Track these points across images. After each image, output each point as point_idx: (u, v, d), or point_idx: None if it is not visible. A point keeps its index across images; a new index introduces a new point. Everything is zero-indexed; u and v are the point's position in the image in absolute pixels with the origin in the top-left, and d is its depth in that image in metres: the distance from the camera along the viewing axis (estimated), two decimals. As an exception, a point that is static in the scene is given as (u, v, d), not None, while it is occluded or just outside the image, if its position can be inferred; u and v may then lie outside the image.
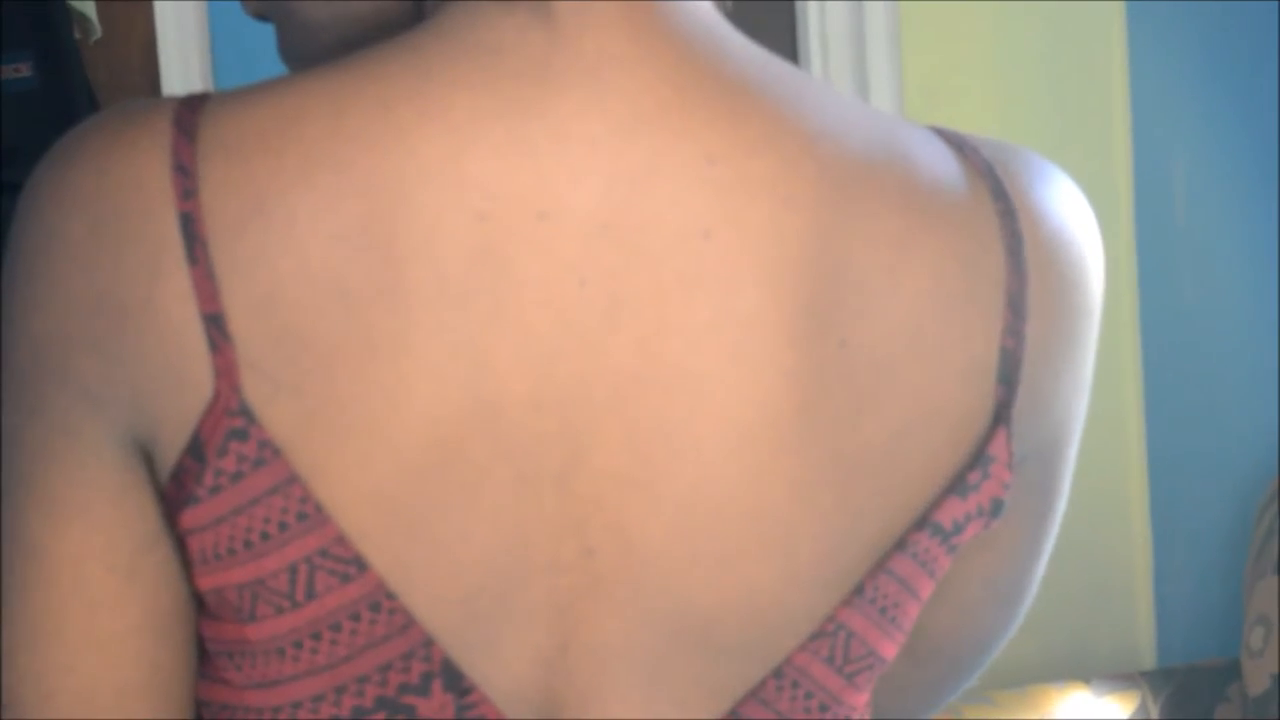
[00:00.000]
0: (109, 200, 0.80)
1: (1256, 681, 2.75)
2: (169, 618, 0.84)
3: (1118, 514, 3.02)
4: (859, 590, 0.87)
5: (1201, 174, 2.90)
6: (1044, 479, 0.94)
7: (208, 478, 0.80)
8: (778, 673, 0.86)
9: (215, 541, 0.81)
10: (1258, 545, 2.77)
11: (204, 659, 0.86)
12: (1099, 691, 2.73)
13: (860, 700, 0.90)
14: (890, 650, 0.89)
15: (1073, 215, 0.90)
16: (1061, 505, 0.97)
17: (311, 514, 0.80)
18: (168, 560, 0.84)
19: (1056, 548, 2.99)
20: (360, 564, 0.81)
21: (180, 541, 0.84)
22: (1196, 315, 2.94)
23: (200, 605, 0.85)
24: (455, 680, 0.83)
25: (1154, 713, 2.75)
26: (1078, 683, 2.74)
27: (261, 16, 0.95)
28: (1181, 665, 2.85)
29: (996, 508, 0.89)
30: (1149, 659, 3.02)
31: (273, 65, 3.13)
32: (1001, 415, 0.87)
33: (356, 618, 0.81)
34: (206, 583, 0.82)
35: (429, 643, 0.82)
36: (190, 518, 0.81)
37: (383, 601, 0.81)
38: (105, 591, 0.83)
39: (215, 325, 0.79)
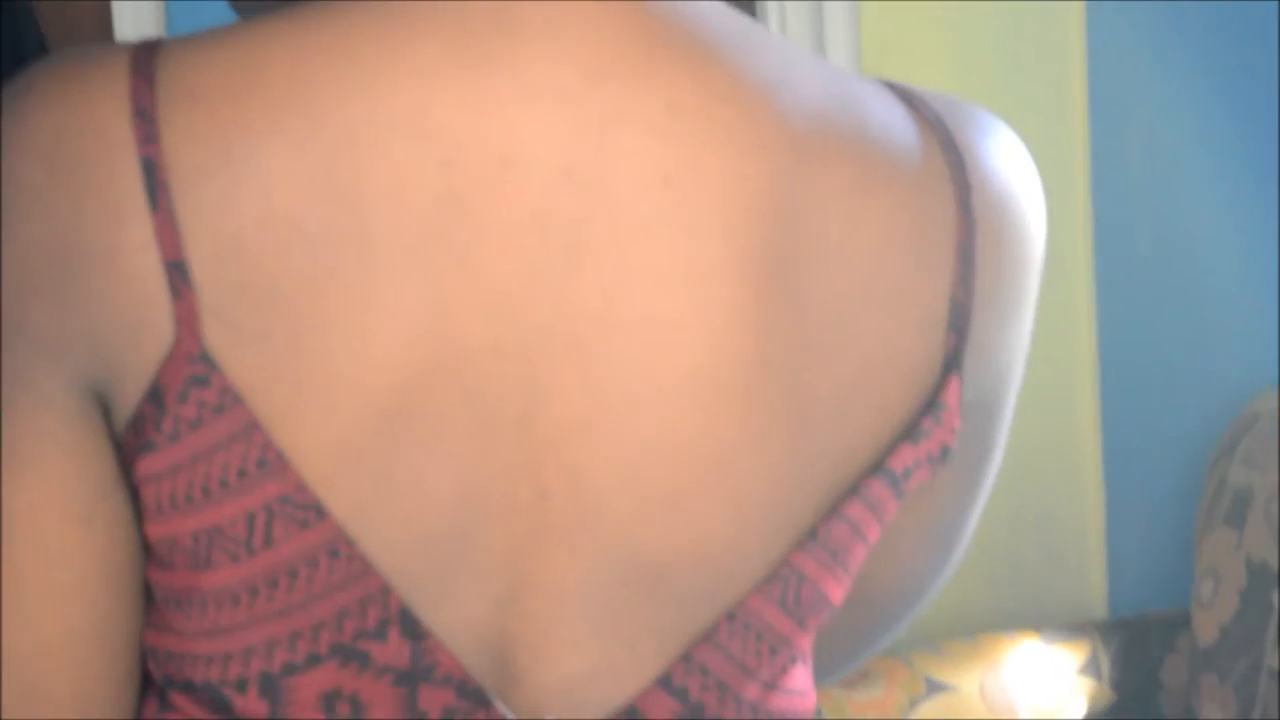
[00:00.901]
0: (67, 145, 0.79)
1: (1206, 633, 2.77)
2: (122, 566, 0.84)
3: (1070, 465, 3.03)
4: (813, 535, 0.87)
5: (1158, 127, 2.91)
6: (983, 429, 0.95)
7: (167, 424, 0.80)
8: (730, 616, 0.87)
9: (172, 490, 0.81)
10: (1209, 498, 2.79)
11: (151, 607, 0.86)
12: (1049, 641, 2.75)
13: (805, 644, 0.91)
14: (838, 594, 0.90)
15: (1018, 170, 0.91)
16: (998, 456, 0.98)
17: (272, 461, 0.80)
18: (123, 509, 0.84)
19: (1009, 499, 3.00)
20: (319, 511, 0.81)
21: (134, 490, 0.84)
22: (1151, 268, 2.96)
23: (149, 553, 0.85)
24: (412, 627, 0.83)
25: (1104, 662, 2.77)
26: (1028, 632, 2.75)
27: None
28: (1132, 616, 2.87)
29: (944, 454, 0.90)
30: (1100, 609, 3.05)
31: (225, 17, 3.11)
32: (953, 363, 0.88)
33: (314, 564, 0.81)
34: (158, 531, 0.82)
35: (386, 590, 0.82)
36: (147, 465, 0.81)
37: (341, 548, 0.81)
38: (61, 542, 0.82)
39: (177, 272, 0.78)
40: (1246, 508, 2.74)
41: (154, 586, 0.84)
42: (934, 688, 2.66)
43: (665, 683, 0.87)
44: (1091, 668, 2.76)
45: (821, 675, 1.06)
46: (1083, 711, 2.74)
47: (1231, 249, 2.81)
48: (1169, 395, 2.95)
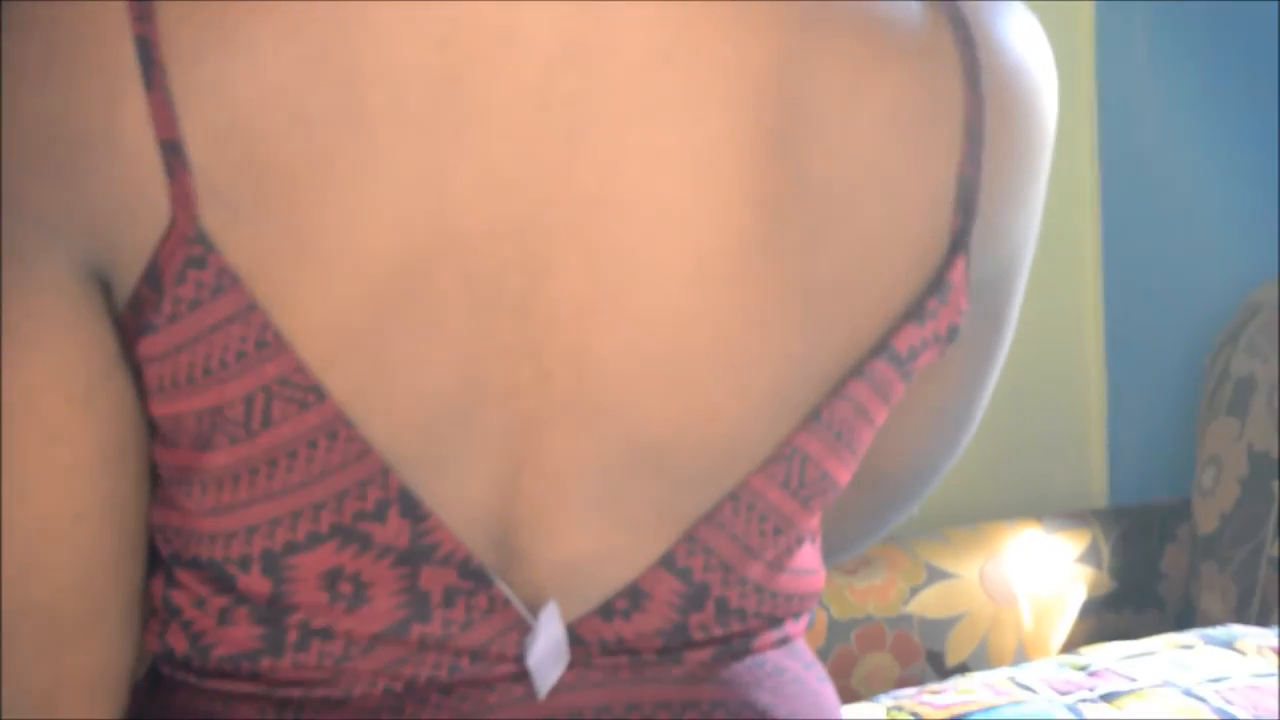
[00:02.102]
0: (64, 26, 0.79)
1: (1206, 521, 2.78)
2: (125, 446, 0.84)
3: (1072, 354, 3.03)
4: (816, 415, 0.87)
5: (1164, 13, 2.89)
6: (995, 308, 0.95)
7: (165, 306, 0.80)
8: (733, 496, 0.87)
9: (174, 370, 0.81)
10: (1211, 387, 2.79)
11: (157, 484, 0.87)
12: (1050, 529, 2.76)
13: (811, 524, 0.91)
14: (844, 475, 0.90)
15: (1031, 48, 0.90)
16: (1009, 334, 0.98)
17: (271, 342, 0.80)
18: (125, 389, 0.84)
19: (1011, 388, 3.00)
20: (319, 392, 0.81)
21: (137, 370, 0.84)
22: (1154, 159, 2.94)
23: (154, 432, 0.85)
24: (412, 507, 0.83)
25: (1104, 551, 2.78)
26: (1030, 520, 2.76)
27: None
28: (1133, 504, 2.88)
29: (952, 334, 0.89)
30: (1100, 498, 3.05)
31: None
32: (960, 243, 0.88)
33: (313, 445, 0.81)
34: (161, 410, 0.82)
35: (386, 470, 0.82)
36: (148, 346, 0.81)
37: (340, 429, 0.81)
38: (62, 421, 0.83)
39: (173, 152, 0.78)
40: (1248, 397, 2.74)
41: (159, 465, 0.85)
42: (935, 575, 2.67)
43: (668, 562, 0.87)
44: (1092, 556, 2.77)
45: (834, 555, 1.07)
46: (1082, 599, 2.76)
47: (1234, 139, 2.79)
48: (1172, 285, 2.94)
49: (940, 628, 2.66)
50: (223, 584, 0.85)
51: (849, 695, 2.56)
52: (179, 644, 0.86)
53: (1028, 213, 0.92)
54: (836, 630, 2.62)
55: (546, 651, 0.86)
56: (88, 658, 0.87)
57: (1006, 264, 0.92)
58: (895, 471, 1.01)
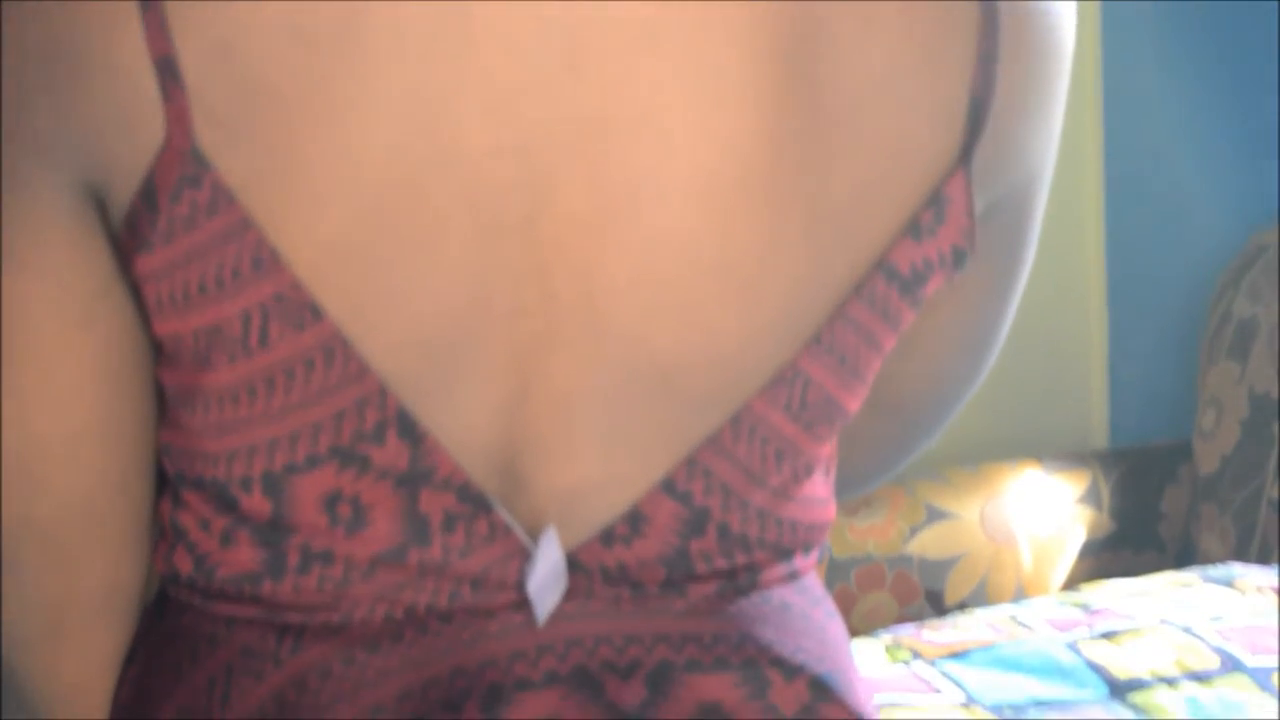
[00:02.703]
0: None
1: (1207, 463, 2.78)
2: (124, 366, 0.85)
3: (1074, 295, 3.03)
4: (817, 338, 0.87)
5: (1168, -45, 2.88)
6: (1012, 229, 0.94)
7: (161, 223, 0.80)
8: (735, 420, 0.87)
9: (171, 288, 0.81)
10: (1212, 329, 2.79)
11: (162, 404, 0.87)
12: (1051, 470, 2.76)
13: (820, 451, 0.90)
14: (851, 401, 0.90)
15: None
16: (1029, 257, 0.97)
17: (266, 260, 0.80)
18: (122, 308, 0.84)
19: (1013, 329, 3.00)
20: (315, 311, 0.81)
21: (136, 289, 0.84)
22: (1158, 101, 2.94)
23: (159, 352, 0.86)
24: (410, 429, 0.83)
25: (1104, 492, 2.79)
26: (1030, 461, 2.76)
27: None
28: (1133, 446, 2.88)
29: (958, 258, 0.89)
30: (1101, 439, 3.06)
31: None
32: (962, 159, 0.87)
33: (310, 365, 0.82)
34: (162, 329, 0.83)
35: (383, 392, 0.82)
36: (144, 264, 0.81)
37: (337, 349, 0.81)
38: (60, 339, 0.83)
39: (168, 71, 0.78)
40: (1250, 340, 2.74)
41: (164, 385, 0.85)
42: (935, 515, 2.67)
43: (668, 486, 0.87)
44: (1092, 497, 2.77)
45: (856, 486, 1.06)
46: (1082, 540, 2.76)
47: (1237, 82, 2.79)
48: (1174, 227, 2.94)
49: (940, 568, 2.67)
50: (225, 505, 0.85)
51: (848, 633, 2.56)
52: (185, 566, 0.87)
53: (1044, 135, 0.91)
54: (836, 570, 2.62)
55: (545, 577, 0.86)
56: (94, 576, 0.88)
57: (1023, 186, 0.92)
58: (915, 399, 1.00)
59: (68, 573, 0.88)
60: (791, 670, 0.88)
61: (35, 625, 0.89)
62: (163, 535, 0.88)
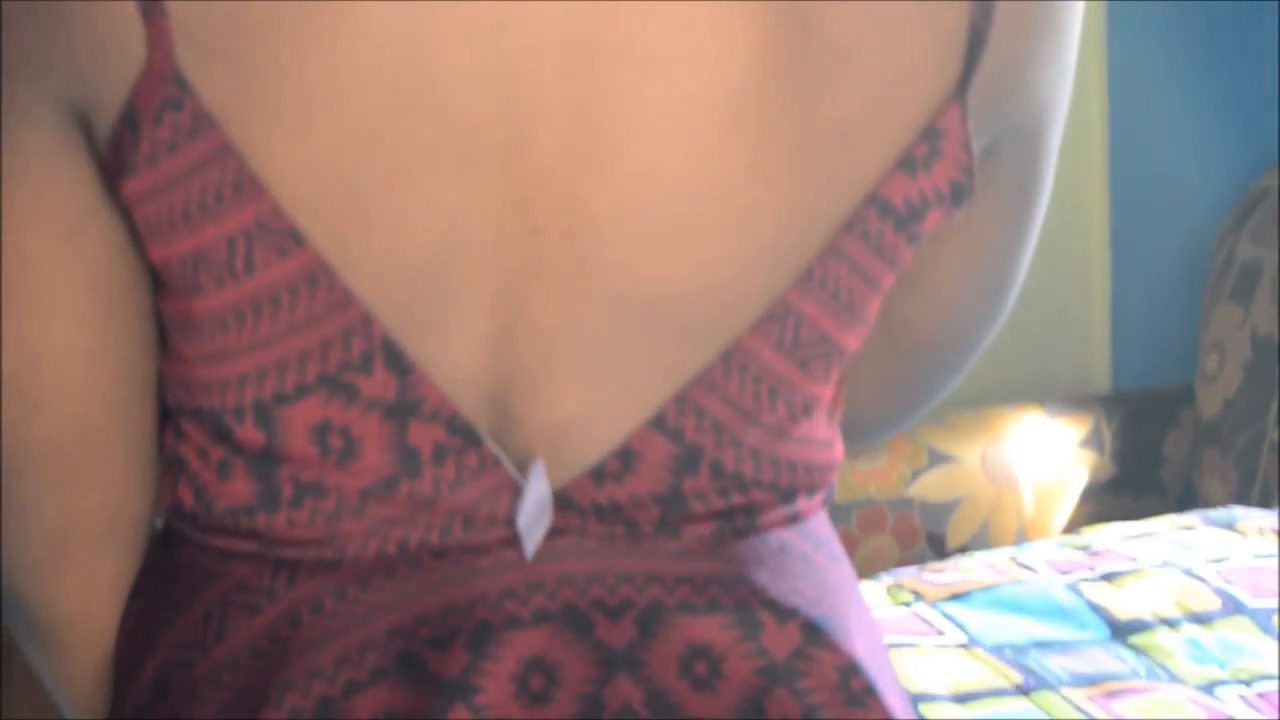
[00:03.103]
0: None
1: (1209, 407, 2.78)
2: (116, 289, 0.86)
3: (1077, 238, 3.02)
4: (808, 274, 0.86)
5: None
6: (1023, 165, 0.92)
7: (144, 146, 0.80)
8: (725, 356, 0.86)
9: (157, 212, 0.82)
10: (1215, 273, 2.78)
11: (163, 335, 0.88)
12: (1053, 414, 2.76)
13: (820, 390, 0.89)
14: (848, 339, 0.89)
15: None
16: (1044, 196, 0.95)
17: (247, 185, 0.80)
18: (111, 231, 0.85)
19: (1015, 273, 3.00)
20: (297, 237, 0.81)
21: (127, 214, 0.85)
22: (1163, 45, 2.93)
23: (156, 280, 0.86)
24: (396, 359, 0.83)
25: (1107, 436, 2.79)
26: (1032, 405, 2.76)
27: None
28: (1135, 390, 2.87)
29: (957, 194, 0.87)
30: (1103, 383, 3.05)
31: None
32: (958, 91, 0.86)
33: (295, 292, 0.82)
34: (156, 254, 0.83)
35: (368, 320, 0.82)
36: (130, 187, 0.82)
37: (320, 277, 0.82)
38: (47, 258, 0.84)
39: None
40: (1253, 282, 2.74)
41: (163, 315, 0.86)
42: (937, 458, 2.67)
43: (659, 423, 0.86)
44: (1094, 441, 2.77)
45: (880, 429, 1.04)
46: (1084, 483, 2.76)
47: (1241, 25, 2.77)
48: (1177, 170, 2.93)
49: (941, 511, 2.67)
50: (221, 435, 0.86)
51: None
52: (186, 498, 0.88)
53: (1052, 69, 0.89)
54: (837, 513, 2.63)
55: (533, 510, 0.86)
56: (94, 501, 0.89)
57: (1031, 121, 0.90)
58: (933, 339, 0.98)
59: (68, 497, 0.89)
60: (784, 613, 0.88)
61: (38, 550, 0.90)
62: (167, 468, 0.89)
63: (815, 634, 0.88)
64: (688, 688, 0.86)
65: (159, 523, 0.94)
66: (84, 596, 0.91)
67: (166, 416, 0.90)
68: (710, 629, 0.87)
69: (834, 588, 0.91)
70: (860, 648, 0.90)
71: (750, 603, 0.87)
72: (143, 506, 0.91)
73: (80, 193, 0.84)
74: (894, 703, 0.90)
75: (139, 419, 0.89)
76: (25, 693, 2.37)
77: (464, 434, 0.85)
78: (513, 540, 0.86)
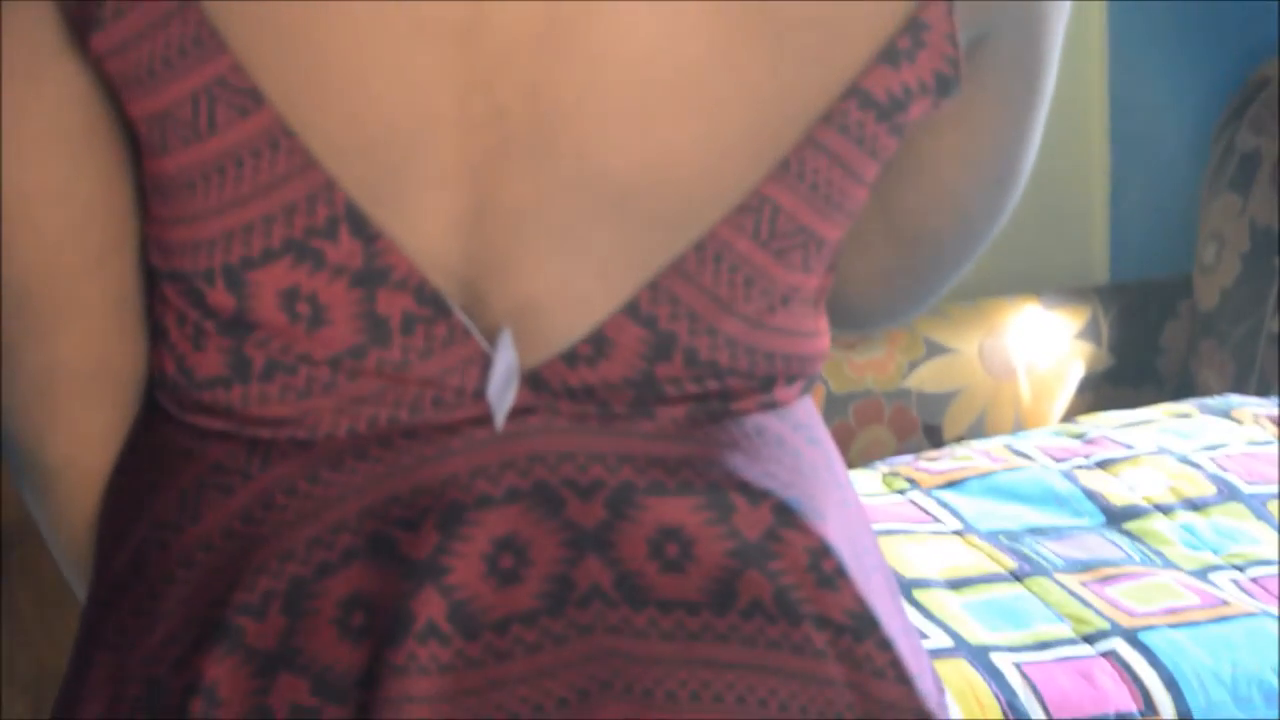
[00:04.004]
0: None
1: (1207, 297, 2.78)
2: (80, 134, 0.86)
3: (1076, 130, 3.01)
4: (784, 165, 0.85)
5: None
6: (1022, 55, 0.91)
7: (109, 1, 0.81)
8: (699, 245, 0.85)
9: (126, 67, 0.83)
10: (1214, 162, 2.77)
11: (144, 198, 0.88)
12: (1050, 305, 2.76)
13: (800, 281, 0.89)
14: (829, 230, 0.88)
15: None
16: (1046, 87, 0.93)
17: (207, 40, 0.81)
18: (75, 76, 0.85)
19: (1013, 164, 2.98)
20: (257, 97, 0.81)
21: (101, 69, 0.84)
22: (1162, -71, 2.91)
23: (136, 140, 0.87)
24: (361, 226, 0.83)
25: (1104, 327, 2.78)
26: (1030, 296, 2.76)
27: None
28: (1133, 281, 2.87)
29: (942, 85, 0.86)
30: (1101, 274, 3.04)
31: None
32: None
33: (257, 154, 0.82)
34: (132, 111, 0.84)
35: (331, 186, 0.83)
36: (100, 42, 0.82)
37: (280, 139, 0.82)
38: (6, 98, 0.84)
39: None
40: (1252, 172, 2.73)
41: (143, 175, 0.86)
42: (934, 350, 2.67)
43: (632, 310, 0.86)
44: (1091, 332, 2.77)
45: (885, 319, 1.03)
46: (1081, 374, 2.76)
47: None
48: (1177, 59, 2.91)
49: (938, 402, 2.67)
50: (195, 300, 0.86)
51: (845, 467, 2.57)
52: (168, 366, 0.88)
53: None
54: (834, 404, 2.63)
55: (501, 379, 0.85)
56: (73, 349, 0.90)
57: (1028, 12, 0.89)
58: (935, 230, 0.97)
59: (47, 343, 0.89)
60: (757, 495, 0.87)
61: (23, 394, 0.91)
62: (152, 336, 0.90)
63: (787, 516, 0.88)
64: (658, 569, 0.86)
65: None
66: (71, 446, 0.92)
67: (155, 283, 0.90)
68: (682, 511, 0.86)
69: (810, 470, 0.91)
70: (833, 530, 0.89)
71: (722, 485, 0.87)
72: (129, 363, 0.91)
73: (39, 35, 0.84)
74: (870, 585, 0.90)
75: (118, 271, 0.89)
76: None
77: (433, 303, 0.85)
78: (484, 419, 0.86)
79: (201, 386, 0.87)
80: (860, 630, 0.88)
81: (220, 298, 0.85)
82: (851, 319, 1.02)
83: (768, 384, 0.90)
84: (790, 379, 0.91)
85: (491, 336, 0.86)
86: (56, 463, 0.92)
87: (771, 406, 0.90)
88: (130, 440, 0.92)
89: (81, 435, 0.92)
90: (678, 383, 0.87)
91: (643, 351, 0.86)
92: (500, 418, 0.86)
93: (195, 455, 0.88)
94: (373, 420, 0.86)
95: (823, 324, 0.92)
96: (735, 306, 0.87)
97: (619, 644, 0.86)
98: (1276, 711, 1.77)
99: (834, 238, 0.89)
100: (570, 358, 0.86)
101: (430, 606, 0.84)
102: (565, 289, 0.86)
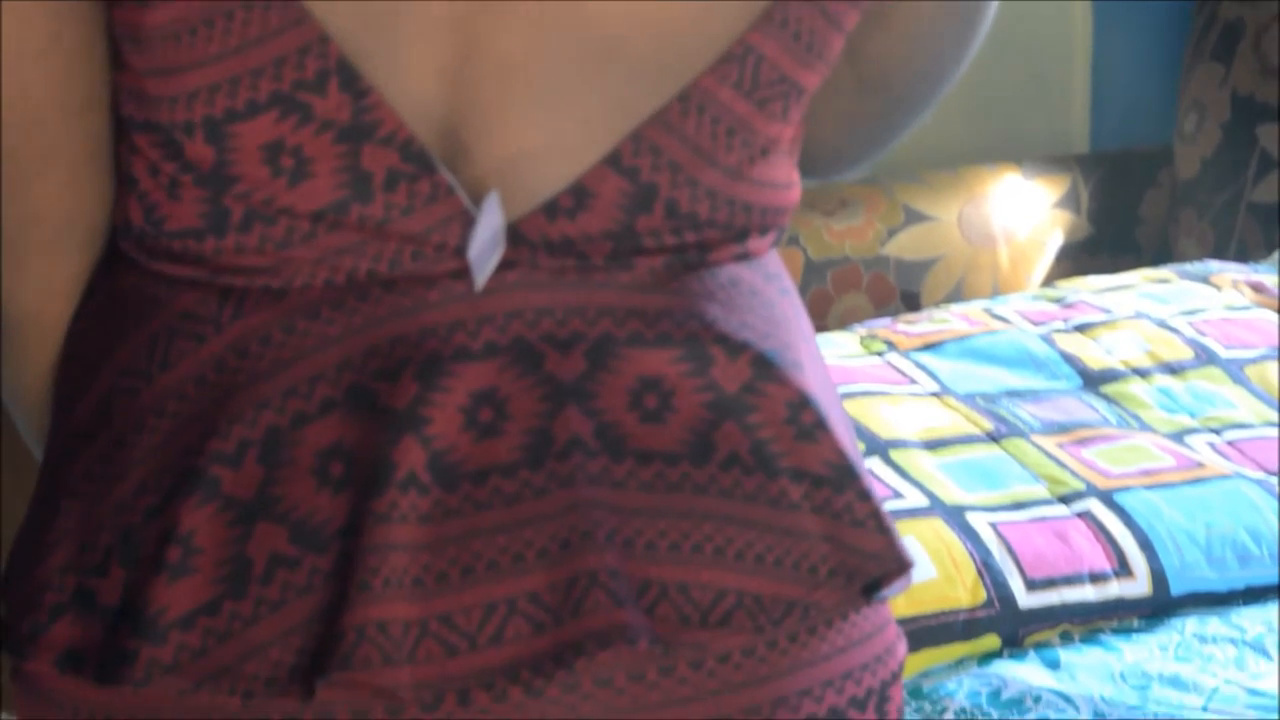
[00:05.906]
0: None
1: (1187, 166, 2.77)
2: None
3: (1058, -1, 2.99)
4: (769, 15, 0.85)
5: None
6: None
7: None
8: (683, 96, 0.85)
9: None
10: (1197, 31, 2.76)
11: (115, 45, 0.87)
12: (1030, 174, 2.75)
13: (778, 131, 0.89)
14: (808, 78, 0.88)
15: None
16: None
17: None
18: None
19: (994, 30, 2.96)
20: None
21: None
22: None
23: None
24: (352, 80, 0.82)
25: (1083, 196, 2.78)
26: (1009, 165, 2.75)
27: None
28: (1113, 150, 2.86)
29: None
30: (1082, 143, 3.04)
31: None
32: None
33: (249, 7, 0.81)
34: None
35: (324, 39, 0.82)
36: None
37: None
38: None
39: None
40: (1235, 41, 2.71)
41: (113, 24, 0.85)
42: (913, 217, 2.67)
43: (614, 161, 0.86)
44: (1070, 201, 2.77)
45: (846, 164, 1.03)
46: (1060, 243, 2.76)
47: None
48: (1162, -74, 2.89)
49: (917, 269, 2.67)
50: (171, 152, 0.85)
51: (806, 313, 2.57)
52: (136, 215, 0.87)
53: None
54: (812, 271, 2.62)
55: (485, 242, 0.85)
56: (50, 199, 0.89)
57: None
58: (899, 75, 0.97)
59: (25, 194, 0.88)
60: (735, 347, 0.87)
61: (4, 233, 0.90)
62: (119, 185, 0.89)
63: (766, 368, 0.88)
64: (637, 420, 0.86)
65: None
66: (39, 297, 0.91)
67: (123, 132, 0.89)
68: (661, 362, 0.86)
69: (785, 321, 0.91)
70: (811, 382, 0.90)
71: (701, 336, 0.87)
72: (99, 214, 0.90)
73: None
74: (843, 437, 0.90)
75: (94, 124, 0.88)
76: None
77: (418, 160, 0.84)
78: (462, 273, 0.86)
79: (173, 236, 0.86)
80: (840, 481, 0.88)
81: (199, 149, 0.84)
82: (813, 165, 1.02)
83: (742, 235, 0.90)
84: (764, 230, 0.91)
85: (473, 189, 0.85)
86: (22, 315, 0.92)
87: (745, 258, 0.91)
88: (91, 288, 0.91)
89: (49, 286, 0.91)
90: (657, 234, 0.87)
91: (623, 203, 0.86)
92: (482, 280, 0.85)
93: (163, 302, 0.87)
94: (351, 272, 0.85)
95: (795, 175, 0.92)
96: (717, 157, 0.87)
97: (599, 494, 0.86)
98: (1249, 571, 1.78)
99: (812, 86, 0.89)
100: (550, 210, 0.86)
101: (411, 455, 0.83)
102: (548, 140, 0.85)
